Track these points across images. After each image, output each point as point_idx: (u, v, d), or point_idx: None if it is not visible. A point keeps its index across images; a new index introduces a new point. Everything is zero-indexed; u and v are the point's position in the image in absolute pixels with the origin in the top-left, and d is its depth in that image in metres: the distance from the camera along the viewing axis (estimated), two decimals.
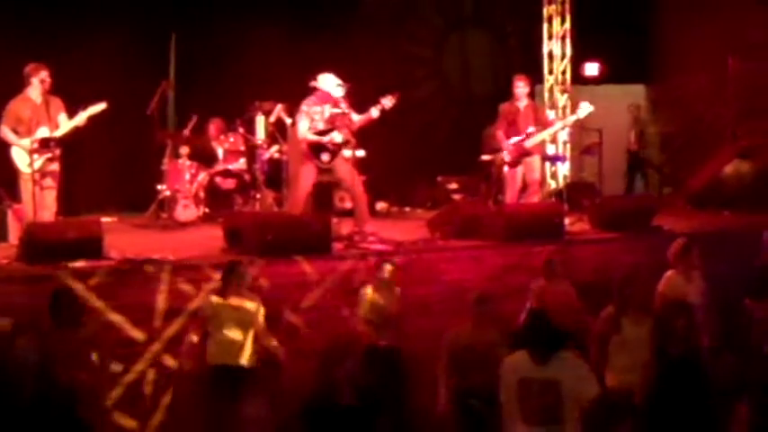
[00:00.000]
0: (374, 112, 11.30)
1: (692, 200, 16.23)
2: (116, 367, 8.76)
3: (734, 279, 9.85)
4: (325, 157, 11.39)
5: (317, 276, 9.90)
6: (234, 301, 8.48)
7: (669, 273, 9.24)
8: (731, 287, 9.69)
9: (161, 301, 9.14)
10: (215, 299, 8.56)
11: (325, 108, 11.44)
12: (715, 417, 6.73)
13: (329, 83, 11.47)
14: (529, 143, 12.70)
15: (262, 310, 8.62)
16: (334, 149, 11.37)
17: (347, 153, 11.46)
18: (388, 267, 9.24)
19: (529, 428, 6.34)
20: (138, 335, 9.00)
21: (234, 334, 8.40)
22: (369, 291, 9.25)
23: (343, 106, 11.46)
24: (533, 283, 9.63)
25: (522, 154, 12.73)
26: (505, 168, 12.83)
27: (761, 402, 6.26)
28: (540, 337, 6.44)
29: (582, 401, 6.31)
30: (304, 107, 11.48)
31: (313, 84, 11.48)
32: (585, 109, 13.00)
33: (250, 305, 8.55)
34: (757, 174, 16.08)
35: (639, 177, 16.84)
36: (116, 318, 8.91)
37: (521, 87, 12.85)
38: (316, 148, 11.39)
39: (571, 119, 14.19)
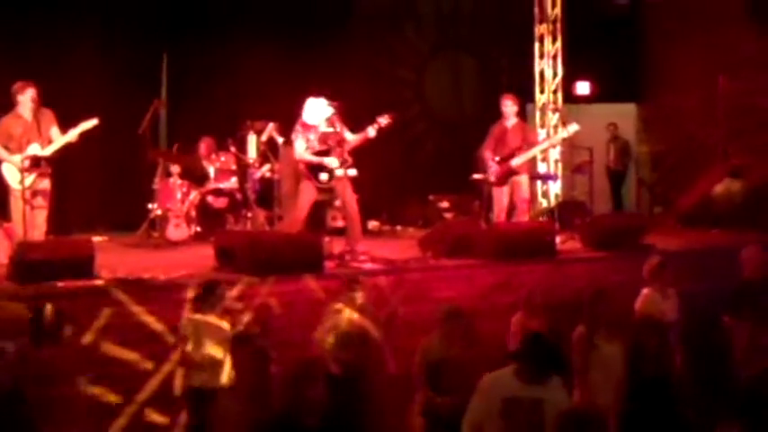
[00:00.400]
0: (371, 132, 11.36)
1: (682, 218, 16.28)
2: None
3: (719, 297, 9.85)
4: (323, 176, 11.44)
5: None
6: (212, 319, 8.44)
7: (645, 290, 9.26)
8: (716, 304, 9.70)
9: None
10: (194, 317, 8.48)
11: (320, 125, 11.47)
12: None
13: (316, 109, 11.50)
14: (515, 162, 12.71)
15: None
16: (331, 171, 11.42)
17: (340, 172, 11.49)
18: (358, 290, 9.07)
19: None
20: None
21: (214, 352, 8.38)
22: (337, 312, 9.13)
23: (337, 125, 11.49)
24: (515, 317, 9.50)
25: (508, 173, 12.74)
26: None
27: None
28: (541, 359, 6.42)
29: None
30: (298, 127, 11.53)
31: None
32: (572, 128, 13.11)
33: (226, 325, 8.52)
34: (747, 192, 16.13)
35: (624, 193, 16.90)
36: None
37: (509, 106, 12.87)
38: (313, 169, 11.43)
39: (557, 138, 14.26)
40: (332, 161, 11.40)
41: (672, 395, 6.92)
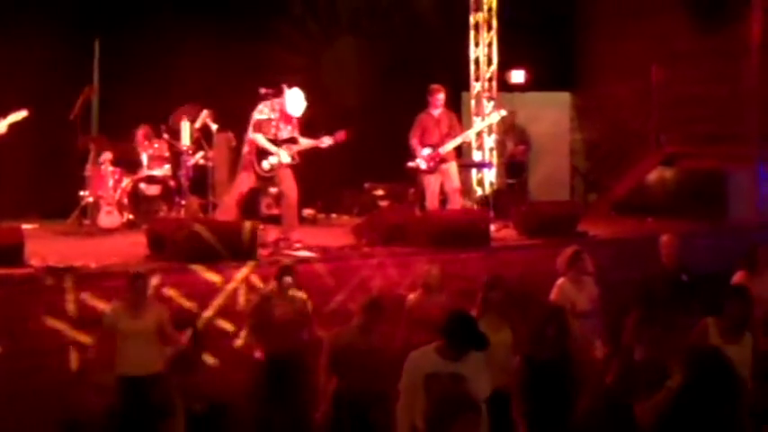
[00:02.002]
0: (325, 142, 11.59)
1: (616, 206, 16.42)
2: None
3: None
4: (266, 164, 11.43)
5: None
6: (139, 310, 8.43)
7: (560, 281, 9.25)
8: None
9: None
10: (119, 309, 8.50)
11: (281, 124, 11.53)
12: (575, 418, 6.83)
13: (297, 100, 11.49)
14: (443, 150, 12.77)
15: (166, 317, 8.61)
16: (279, 163, 11.41)
17: (286, 159, 11.48)
18: (287, 277, 9.04)
19: None
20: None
21: (140, 343, 8.36)
22: (264, 299, 9.12)
23: (293, 130, 11.51)
24: (410, 295, 9.43)
25: (437, 161, 12.79)
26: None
27: None
28: (461, 336, 6.51)
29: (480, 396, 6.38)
30: (265, 108, 11.52)
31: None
32: (496, 115, 13.38)
33: (154, 314, 8.52)
34: (680, 181, 16.33)
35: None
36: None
37: (437, 95, 12.93)
38: (260, 155, 11.42)
39: (484, 123, 14.32)
40: (284, 155, 11.38)
41: (567, 381, 7.00)
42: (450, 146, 12.83)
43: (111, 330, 8.47)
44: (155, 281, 9.26)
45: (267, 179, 11.67)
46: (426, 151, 12.74)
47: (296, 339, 8.93)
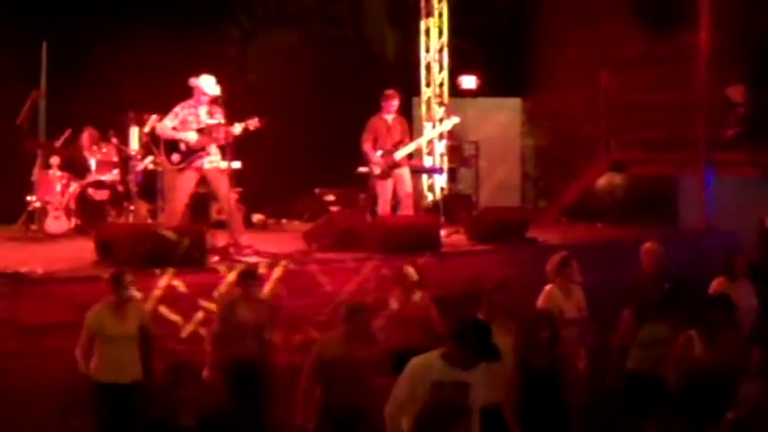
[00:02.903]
0: (236, 129, 11.28)
1: (566, 212, 16.50)
2: None
3: (610, 290, 9.94)
4: (174, 157, 11.29)
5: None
6: (120, 312, 8.24)
7: (548, 287, 9.06)
8: (607, 298, 9.78)
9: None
10: (100, 311, 8.26)
11: (201, 111, 11.35)
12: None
13: (207, 83, 11.36)
14: (398, 155, 12.81)
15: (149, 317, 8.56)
16: (188, 152, 11.25)
17: (223, 164, 11.35)
18: (251, 280, 8.97)
19: None
20: None
21: (125, 347, 8.21)
22: (227, 304, 8.99)
23: (219, 116, 11.33)
24: (390, 295, 9.43)
25: (392, 166, 12.80)
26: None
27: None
28: (478, 346, 6.34)
29: (479, 404, 6.37)
30: (177, 108, 11.39)
31: (191, 83, 11.37)
32: (450, 122, 13.34)
33: (135, 316, 8.34)
34: (630, 187, 16.44)
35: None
36: None
37: (391, 101, 12.94)
38: (169, 146, 11.32)
39: (437, 131, 14.33)
40: (191, 136, 11.24)
41: (560, 387, 6.96)
42: (404, 151, 12.87)
43: (94, 335, 8.19)
44: None
45: (203, 183, 11.58)
46: (380, 156, 12.72)
47: (263, 343, 8.80)
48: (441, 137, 16.36)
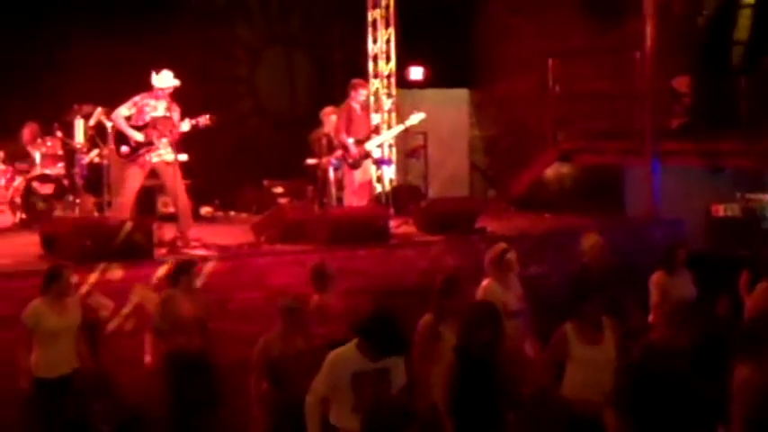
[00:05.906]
0: (184, 126, 11.23)
1: (514, 202, 16.55)
2: None
3: (557, 279, 9.97)
4: (124, 148, 11.21)
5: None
6: (57, 307, 8.16)
7: (485, 282, 8.87)
8: (555, 287, 9.81)
9: None
10: (38, 306, 8.15)
11: (159, 104, 11.32)
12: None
13: (161, 77, 11.31)
14: (369, 145, 12.90)
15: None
16: (137, 147, 11.19)
17: (170, 157, 11.26)
18: (187, 274, 8.81)
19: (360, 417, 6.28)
20: None
21: (64, 341, 8.14)
22: (164, 299, 8.87)
23: (176, 112, 11.29)
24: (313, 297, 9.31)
25: (364, 156, 12.88)
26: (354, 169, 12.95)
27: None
28: (385, 340, 6.38)
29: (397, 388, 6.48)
30: (137, 97, 11.33)
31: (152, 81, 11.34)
32: (416, 117, 13.28)
33: (73, 311, 8.28)
34: (577, 176, 16.53)
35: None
36: None
37: (361, 91, 13.04)
38: (120, 138, 11.26)
39: (406, 125, 14.28)
40: (138, 135, 11.18)
41: (496, 379, 6.92)
42: (375, 142, 13.08)
43: (30, 331, 8.08)
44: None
45: (152, 175, 11.54)
46: (354, 146, 12.74)
47: (202, 336, 8.72)
48: (388, 126, 16.30)
